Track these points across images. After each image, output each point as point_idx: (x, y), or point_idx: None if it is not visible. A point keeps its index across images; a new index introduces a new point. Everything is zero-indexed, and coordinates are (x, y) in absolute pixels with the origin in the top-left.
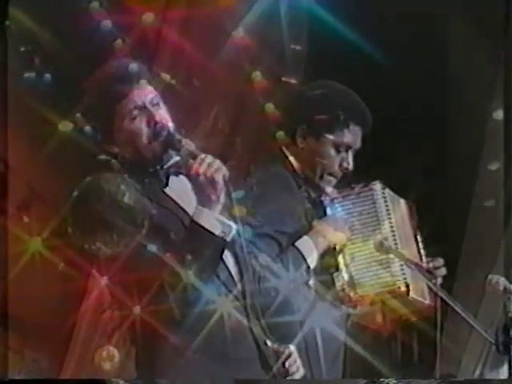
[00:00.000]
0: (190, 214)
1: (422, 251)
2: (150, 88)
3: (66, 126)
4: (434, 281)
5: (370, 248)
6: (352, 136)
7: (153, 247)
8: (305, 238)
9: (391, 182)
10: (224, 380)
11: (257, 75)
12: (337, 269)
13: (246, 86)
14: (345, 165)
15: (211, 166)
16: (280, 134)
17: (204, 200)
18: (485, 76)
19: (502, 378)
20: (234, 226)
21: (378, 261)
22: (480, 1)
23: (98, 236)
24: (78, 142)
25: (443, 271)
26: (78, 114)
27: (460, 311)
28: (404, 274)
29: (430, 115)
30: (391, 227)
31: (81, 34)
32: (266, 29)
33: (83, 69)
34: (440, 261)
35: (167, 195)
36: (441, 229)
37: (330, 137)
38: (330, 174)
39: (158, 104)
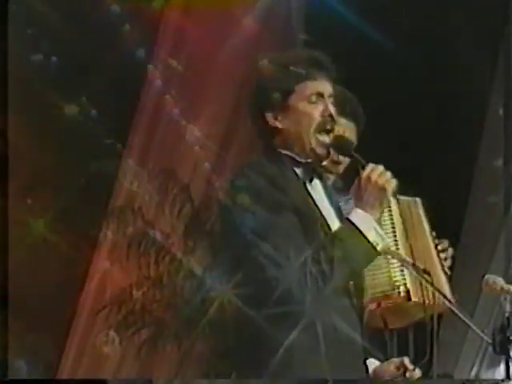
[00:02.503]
0: (325, 215)
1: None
2: (329, 84)
3: (71, 110)
4: (430, 280)
5: None
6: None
7: (156, 233)
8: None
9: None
10: (224, 370)
11: (264, 63)
12: None
13: (252, 73)
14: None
15: (384, 176)
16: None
17: (367, 205)
18: (487, 71)
19: (499, 377)
20: (387, 240)
21: (378, 265)
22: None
23: (104, 222)
24: (83, 125)
25: (450, 251)
26: (84, 98)
27: (457, 311)
28: (404, 278)
29: (431, 109)
30: (393, 229)
31: (89, 17)
32: (275, 18)
33: (90, 52)
34: (446, 242)
35: (308, 191)
36: (439, 226)
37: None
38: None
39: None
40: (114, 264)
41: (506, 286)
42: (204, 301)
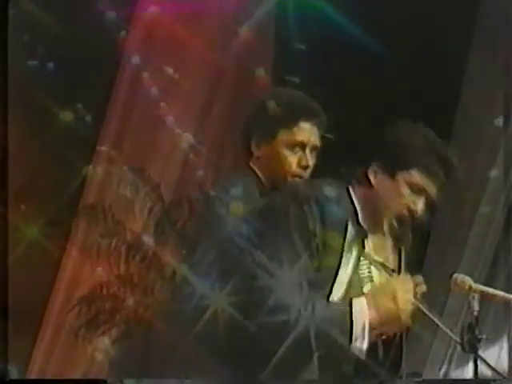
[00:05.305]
0: None
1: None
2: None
3: (66, 116)
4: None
5: None
6: (303, 133)
7: (150, 240)
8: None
9: None
10: (217, 376)
11: (260, 72)
12: None
13: (248, 82)
14: (303, 163)
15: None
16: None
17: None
18: (486, 82)
19: (467, 377)
20: None
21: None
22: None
23: (98, 228)
24: (78, 131)
25: (423, 288)
26: (80, 105)
27: (426, 311)
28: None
29: (429, 119)
30: None
31: (85, 24)
32: (271, 27)
33: (86, 58)
34: (420, 278)
35: None
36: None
37: (281, 137)
38: (293, 176)
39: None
40: (84, 262)
41: (475, 285)
42: (197, 308)
